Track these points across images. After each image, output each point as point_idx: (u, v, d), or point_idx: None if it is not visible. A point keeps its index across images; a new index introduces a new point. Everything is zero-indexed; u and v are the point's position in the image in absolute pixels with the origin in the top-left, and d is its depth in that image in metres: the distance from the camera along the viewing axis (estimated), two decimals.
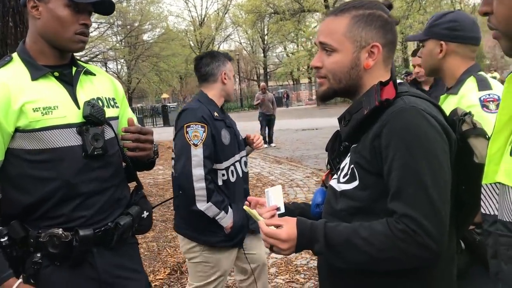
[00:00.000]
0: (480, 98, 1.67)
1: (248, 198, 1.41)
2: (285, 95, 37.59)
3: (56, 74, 1.55)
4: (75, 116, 1.53)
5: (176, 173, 2.25)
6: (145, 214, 1.73)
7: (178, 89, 46.66)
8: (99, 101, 1.62)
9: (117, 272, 1.63)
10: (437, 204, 1.07)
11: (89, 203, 1.55)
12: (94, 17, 32.74)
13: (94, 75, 1.69)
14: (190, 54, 41.70)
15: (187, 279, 3.79)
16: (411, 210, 1.06)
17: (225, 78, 2.43)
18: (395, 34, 1.25)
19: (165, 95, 39.00)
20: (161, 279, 3.78)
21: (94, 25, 33.64)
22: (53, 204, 1.51)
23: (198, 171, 2.19)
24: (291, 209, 1.41)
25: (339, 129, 1.34)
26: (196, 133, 2.22)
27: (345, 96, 1.30)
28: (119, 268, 1.64)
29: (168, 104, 27.40)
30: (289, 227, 1.17)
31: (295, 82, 45.68)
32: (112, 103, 1.69)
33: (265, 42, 42.62)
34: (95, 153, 1.53)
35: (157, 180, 8.13)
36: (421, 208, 1.06)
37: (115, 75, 39.72)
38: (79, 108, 1.54)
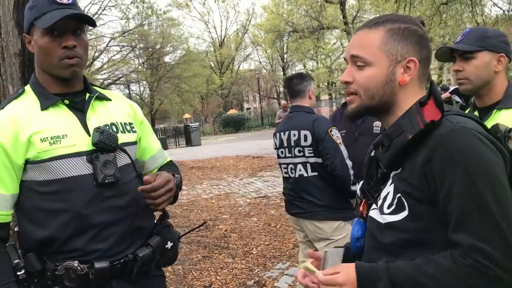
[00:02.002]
0: None
1: (309, 251, 1.34)
2: None
3: (67, 102, 1.52)
4: (85, 144, 1.47)
5: (337, 167, 2.79)
6: (169, 244, 1.63)
7: (199, 109, 47.14)
8: (113, 127, 1.56)
9: None
10: (505, 230, 0.97)
11: (104, 235, 1.47)
12: (117, 40, 33.57)
13: (110, 100, 1.64)
14: (210, 74, 42.27)
15: None
16: (478, 241, 0.97)
17: (311, 95, 3.07)
18: (430, 50, 1.19)
19: (187, 115, 39.40)
20: None
21: (116, 48, 34.44)
22: (66, 238, 1.45)
23: (348, 162, 2.82)
24: None
25: (372, 154, 1.26)
26: (337, 134, 2.86)
27: (376, 114, 1.23)
28: None
29: (190, 124, 27.54)
30: (346, 271, 1.10)
31: (315, 99, 45.61)
32: (128, 128, 1.62)
33: (285, 60, 42.77)
34: (106, 181, 1.46)
35: (181, 200, 8.11)
36: (488, 238, 0.97)
37: (137, 97, 40.52)
38: (89, 135, 1.49)
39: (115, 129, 1.56)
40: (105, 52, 33.84)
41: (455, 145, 1.02)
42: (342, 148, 2.83)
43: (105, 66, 34.24)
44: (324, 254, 1.27)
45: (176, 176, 1.61)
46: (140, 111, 1.76)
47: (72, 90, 1.55)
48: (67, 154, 1.44)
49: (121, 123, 1.60)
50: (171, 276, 4.29)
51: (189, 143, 25.34)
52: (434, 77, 28.61)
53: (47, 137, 1.43)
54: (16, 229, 1.53)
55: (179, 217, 6.72)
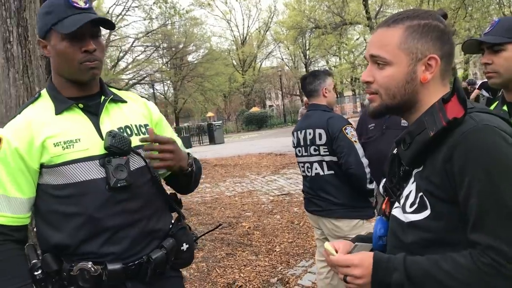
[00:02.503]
0: None
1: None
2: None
3: (81, 105, 1.52)
4: (98, 148, 1.47)
5: (352, 166, 2.77)
6: (185, 246, 1.63)
7: (222, 107, 47.37)
8: (128, 129, 1.56)
9: None
10: None
11: (117, 238, 1.48)
12: (141, 40, 34.02)
13: (125, 102, 1.64)
14: (233, 72, 42.42)
15: None
16: (495, 241, 0.96)
17: (325, 92, 3.00)
18: (452, 45, 1.16)
19: (210, 114, 39.64)
20: None
21: (140, 48, 34.96)
22: (80, 241, 1.46)
23: (364, 160, 2.79)
24: None
25: (395, 152, 1.25)
26: (352, 132, 2.83)
27: (398, 113, 1.22)
28: None
29: (214, 123, 27.71)
30: (364, 255, 1.14)
31: (338, 95, 45.18)
32: (143, 130, 1.61)
33: (307, 57, 42.53)
34: (119, 185, 1.46)
35: (204, 198, 8.18)
36: (506, 238, 0.96)
37: (162, 96, 41.00)
38: (103, 139, 1.48)
39: (129, 132, 1.56)
40: (129, 52, 34.42)
41: (476, 144, 1.00)
42: (358, 146, 2.81)
43: (129, 66, 34.80)
44: (354, 246, 1.27)
45: (190, 154, 1.61)
46: (157, 110, 1.74)
47: (88, 93, 1.55)
48: (80, 158, 1.45)
49: (135, 125, 1.60)
50: (195, 274, 4.33)
51: (212, 141, 25.51)
52: (460, 72, 27.96)
53: (60, 142, 1.45)
54: (35, 229, 1.56)
55: (203, 214, 6.77)
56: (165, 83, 40.33)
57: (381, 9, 28.86)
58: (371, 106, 1.21)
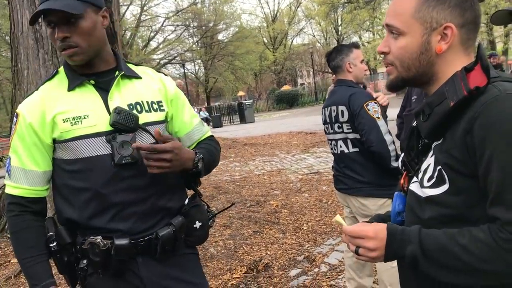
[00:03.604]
0: None
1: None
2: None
3: (92, 82, 1.53)
4: (105, 124, 1.48)
5: (373, 143, 2.67)
6: (198, 224, 1.62)
7: (253, 86, 47.28)
8: (138, 106, 1.54)
9: (165, 283, 1.56)
10: None
11: (124, 214, 1.49)
12: (171, 20, 34.16)
13: (140, 78, 1.62)
14: (263, 50, 42.09)
15: (263, 278, 3.78)
16: None
17: (350, 67, 2.88)
18: (476, 11, 1.08)
19: (241, 93, 39.72)
20: (238, 277, 3.79)
21: (171, 28, 35.14)
22: (89, 216, 1.49)
23: (387, 137, 2.68)
24: None
25: (414, 124, 1.19)
26: (375, 108, 2.70)
27: (416, 85, 1.17)
28: (167, 278, 1.57)
29: (244, 102, 27.73)
30: (377, 227, 1.10)
31: (372, 72, 44.21)
32: (155, 106, 1.59)
33: (339, 33, 41.65)
34: (123, 161, 1.46)
35: (234, 177, 8.24)
36: None
37: (193, 75, 41.23)
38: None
39: (139, 109, 1.54)
40: (160, 32, 34.67)
41: (498, 114, 0.93)
42: (381, 122, 2.69)
43: (160, 46, 35.10)
44: None
45: (198, 154, 1.56)
46: (173, 86, 1.69)
47: (98, 70, 1.54)
48: (87, 134, 1.47)
49: (147, 102, 1.57)
50: (222, 251, 4.39)
51: (243, 120, 25.58)
52: (499, 45, 26.72)
53: (68, 118, 1.47)
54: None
55: (232, 193, 6.82)
56: (195, 63, 40.56)
57: None
58: (388, 78, 1.16)
